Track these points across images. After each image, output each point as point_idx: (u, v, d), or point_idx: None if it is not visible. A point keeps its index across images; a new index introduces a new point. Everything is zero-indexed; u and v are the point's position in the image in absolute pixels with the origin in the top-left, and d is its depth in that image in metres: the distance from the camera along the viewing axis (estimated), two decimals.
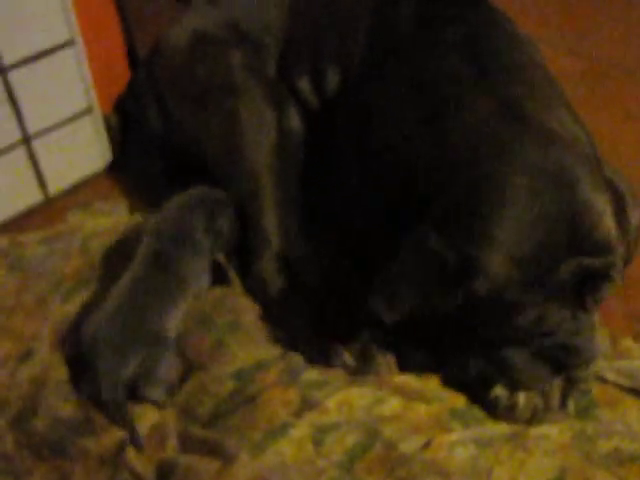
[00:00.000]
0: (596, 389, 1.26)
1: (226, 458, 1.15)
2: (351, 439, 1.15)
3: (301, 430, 1.17)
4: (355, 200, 1.41)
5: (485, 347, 1.16)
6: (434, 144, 1.18)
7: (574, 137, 1.15)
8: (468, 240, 1.06)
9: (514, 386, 1.19)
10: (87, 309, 1.43)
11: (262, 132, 1.49)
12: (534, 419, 1.20)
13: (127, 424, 1.24)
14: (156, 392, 1.28)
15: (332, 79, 1.54)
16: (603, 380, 1.28)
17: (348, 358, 1.31)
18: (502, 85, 1.22)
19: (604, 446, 1.16)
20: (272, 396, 1.24)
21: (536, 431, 1.18)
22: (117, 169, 1.82)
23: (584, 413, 1.23)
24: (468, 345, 1.18)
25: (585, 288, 1.06)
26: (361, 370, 1.30)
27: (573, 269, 1.05)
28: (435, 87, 1.27)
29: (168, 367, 1.30)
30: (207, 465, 1.16)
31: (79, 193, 1.77)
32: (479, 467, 1.11)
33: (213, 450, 1.18)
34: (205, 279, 1.44)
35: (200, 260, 1.43)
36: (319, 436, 1.16)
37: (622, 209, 1.13)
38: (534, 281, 1.05)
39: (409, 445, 1.14)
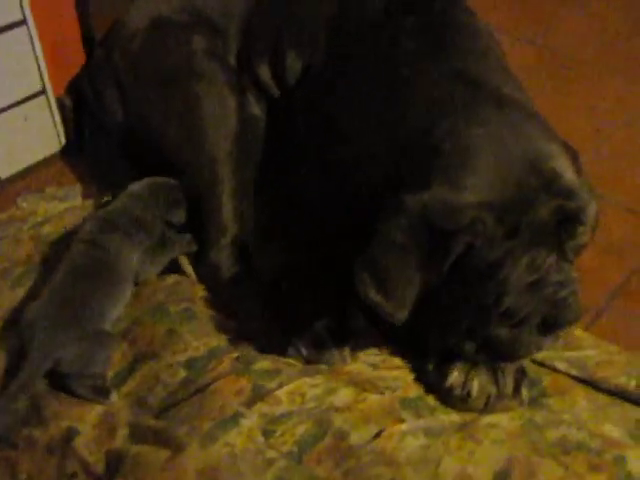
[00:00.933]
0: (547, 379, 1.28)
1: (176, 448, 1.13)
2: (301, 429, 1.15)
3: (251, 420, 1.16)
4: (315, 188, 1.39)
5: (471, 325, 1.14)
6: (393, 121, 1.19)
7: (526, 101, 1.19)
8: (443, 196, 1.05)
9: (502, 360, 1.18)
10: (32, 295, 1.41)
11: (223, 119, 1.46)
12: (487, 408, 1.21)
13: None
14: (85, 390, 1.26)
15: (292, 65, 1.52)
16: (554, 370, 1.29)
17: (301, 347, 1.31)
18: (455, 59, 1.24)
19: (551, 435, 1.17)
20: (223, 385, 1.23)
21: (486, 420, 1.19)
22: (70, 153, 1.79)
23: (534, 402, 1.24)
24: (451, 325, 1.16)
25: (563, 232, 1.07)
26: (314, 360, 1.29)
27: (551, 210, 1.05)
28: (393, 70, 1.28)
29: (102, 364, 1.28)
30: (156, 454, 1.14)
31: (31, 177, 1.74)
32: (428, 457, 1.11)
33: (163, 440, 1.16)
34: (149, 270, 1.43)
35: (142, 250, 1.41)
36: (270, 426, 1.15)
37: (579, 170, 1.14)
38: (517, 225, 1.04)
39: (359, 435, 1.14)
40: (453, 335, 1.16)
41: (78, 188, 1.70)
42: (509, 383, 1.22)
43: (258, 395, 1.20)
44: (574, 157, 1.15)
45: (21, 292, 1.43)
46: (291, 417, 1.17)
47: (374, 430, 1.15)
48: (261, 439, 1.14)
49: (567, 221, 1.07)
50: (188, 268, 1.47)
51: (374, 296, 1.10)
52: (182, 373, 1.28)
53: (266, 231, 1.46)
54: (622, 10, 2.38)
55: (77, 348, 1.25)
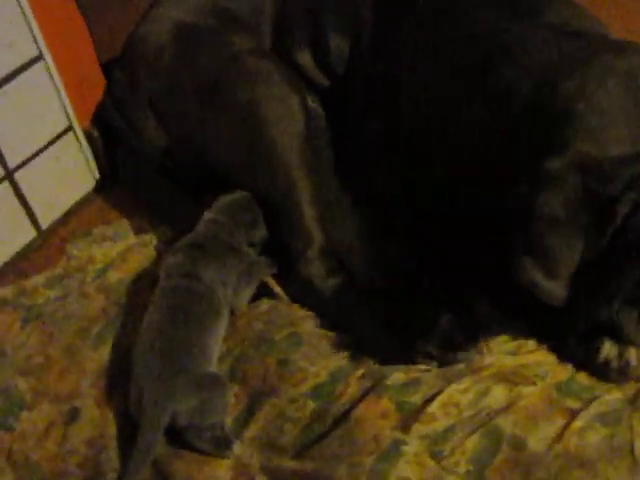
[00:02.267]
0: None
1: None
2: (471, 443, 1.06)
3: (415, 445, 1.06)
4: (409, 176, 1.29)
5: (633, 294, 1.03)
6: (498, 91, 1.10)
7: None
8: (593, 155, 0.96)
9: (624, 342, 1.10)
10: (120, 352, 1.30)
11: (289, 119, 1.33)
12: None
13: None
14: (206, 444, 1.15)
15: (338, 48, 1.41)
16: None
17: (431, 349, 1.21)
18: (543, 14, 1.16)
19: None
20: (365, 411, 1.13)
21: None
22: (107, 188, 1.66)
23: None
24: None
25: None
26: (448, 360, 1.20)
27: None
28: (476, 37, 1.19)
29: (221, 412, 1.17)
30: None
31: (73, 221, 1.60)
32: (618, 447, 1.03)
33: None
34: (242, 298, 1.32)
35: (235, 277, 1.31)
36: (435, 447, 1.06)
37: None
38: None
39: (537, 439, 1.05)
40: (610, 306, 1.06)
41: (126, 224, 1.56)
42: None
43: (408, 415, 1.11)
44: None
45: (106, 352, 1.31)
46: (455, 432, 1.08)
47: (548, 430, 1.06)
48: (432, 463, 1.04)
49: None
50: (278, 289, 1.36)
51: (541, 280, 0.99)
52: (310, 404, 1.18)
53: (362, 234, 1.33)
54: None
55: (192, 397, 1.14)
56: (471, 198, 1.14)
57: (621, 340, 1.12)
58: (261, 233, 1.36)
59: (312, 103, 1.44)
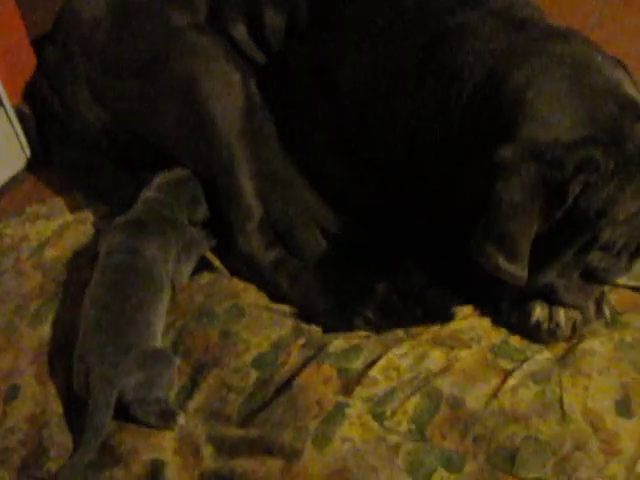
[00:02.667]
0: (611, 297, 1.26)
1: (288, 455, 1.06)
2: (412, 404, 1.09)
3: (357, 407, 1.09)
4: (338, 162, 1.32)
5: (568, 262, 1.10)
6: (446, 78, 1.13)
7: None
8: (548, 139, 1.01)
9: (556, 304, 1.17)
10: (62, 329, 1.29)
11: (229, 95, 1.34)
12: (574, 334, 1.19)
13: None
14: (151, 417, 1.15)
15: (273, 23, 1.42)
16: (614, 286, 1.27)
17: (369, 314, 1.24)
18: (494, 6, 1.18)
19: None
20: (308, 377, 1.16)
21: (580, 350, 1.17)
22: (40, 166, 1.63)
23: (612, 322, 1.22)
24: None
25: None
26: (386, 325, 1.23)
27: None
28: (424, 23, 1.21)
29: (167, 386, 1.18)
30: (266, 467, 1.06)
31: (5, 199, 1.57)
32: (549, 402, 1.08)
33: (265, 449, 1.09)
34: (184, 272, 1.33)
35: (176, 252, 1.31)
36: (378, 409, 1.09)
37: (633, 80, 1.12)
38: (621, 156, 1.01)
39: (473, 398, 1.09)
40: (547, 275, 1.12)
41: (61, 201, 1.54)
42: (591, 305, 1.20)
43: (350, 380, 1.14)
44: (624, 68, 1.13)
45: (45, 329, 1.30)
46: (396, 393, 1.11)
47: (484, 389, 1.11)
48: (375, 425, 1.08)
49: None
50: (218, 263, 1.37)
51: (503, 264, 1.03)
52: (253, 374, 1.20)
53: (305, 209, 1.35)
54: None
55: (140, 373, 1.15)
56: (421, 179, 1.18)
57: (553, 303, 1.18)
58: (202, 210, 1.36)
59: (251, 78, 1.44)
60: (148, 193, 1.33)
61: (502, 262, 1.02)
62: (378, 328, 1.24)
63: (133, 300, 1.21)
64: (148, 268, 1.26)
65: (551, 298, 1.17)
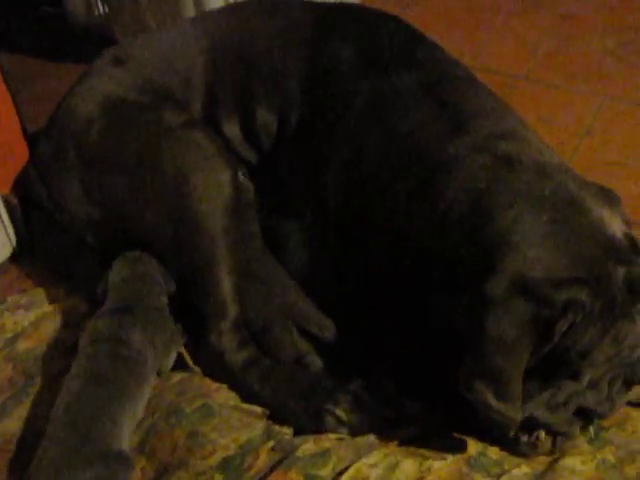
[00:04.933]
0: None
1: None
2: None
3: None
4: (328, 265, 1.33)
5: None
6: (435, 214, 1.15)
7: (559, 162, 1.19)
8: (537, 283, 1.02)
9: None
10: (27, 424, 1.25)
11: (217, 191, 1.33)
12: (555, 449, 1.14)
13: None
14: None
15: (265, 121, 1.44)
16: None
17: (340, 413, 1.20)
18: (475, 127, 1.21)
19: (631, 471, 1.11)
20: None
21: (560, 466, 1.11)
22: (23, 256, 1.62)
23: (596, 439, 1.17)
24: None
25: (635, 296, 1.05)
26: (358, 426, 1.19)
27: (621, 278, 1.05)
28: (414, 146, 1.24)
29: None
30: None
31: None
32: None
33: None
34: (167, 364, 1.31)
35: (164, 335, 1.30)
36: None
37: (624, 218, 1.14)
38: (608, 298, 1.03)
39: None
40: (529, 409, 1.10)
41: (42, 293, 1.53)
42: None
43: None
44: (616, 201, 1.15)
45: (9, 424, 1.26)
46: None
47: None
48: None
49: (635, 284, 1.06)
50: (189, 361, 1.34)
51: (495, 404, 1.02)
52: (218, 478, 1.15)
53: (284, 307, 1.33)
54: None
55: (92, 471, 1.10)
56: (404, 296, 1.19)
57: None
58: (171, 288, 1.36)
59: (242, 176, 1.45)
60: (113, 277, 1.33)
61: (492, 400, 1.02)
62: (350, 428, 1.19)
63: (111, 391, 1.17)
64: (134, 356, 1.23)
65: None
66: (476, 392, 1.03)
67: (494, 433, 1.14)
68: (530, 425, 1.10)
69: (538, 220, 1.06)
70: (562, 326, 1.01)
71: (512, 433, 1.09)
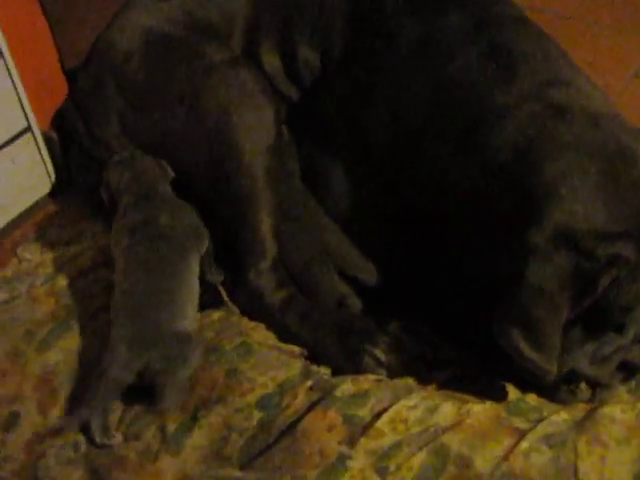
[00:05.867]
0: None
1: None
2: (418, 461, 1.04)
3: (360, 460, 1.05)
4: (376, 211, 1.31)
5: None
6: (480, 162, 1.14)
7: (611, 111, 1.15)
8: (580, 235, 1.00)
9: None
10: (68, 356, 1.27)
11: (260, 130, 1.31)
12: (594, 398, 1.14)
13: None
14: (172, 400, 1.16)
15: (307, 59, 1.42)
16: None
17: (379, 354, 1.20)
18: (533, 83, 1.17)
19: None
20: (312, 423, 1.12)
21: (599, 415, 1.11)
22: (63, 192, 1.62)
23: (636, 389, 1.16)
24: None
25: None
26: (398, 368, 1.19)
27: None
28: (463, 92, 1.20)
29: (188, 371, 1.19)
30: None
31: (27, 224, 1.56)
32: (563, 469, 1.03)
33: None
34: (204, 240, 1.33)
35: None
36: (381, 463, 1.05)
37: None
38: None
39: (483, 459, 1.04)
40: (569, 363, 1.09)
41: (81, 228, 1.53)
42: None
43: (356, 429, 1.09)
44: None
45: (51, 356, 1.28)
46: (401, 448, 1.06)
47: (494, 449, 1.06)
48: (377, 479, 1.02)
49: None
50: (227, 298, 1.34)
51: (529, 353, 1.03)
52: (256, 415, 1.16)
53: (324, 249, 1.32)
54: None
55: (168, 349, 1.16)
56: (447, 236, 1.18)
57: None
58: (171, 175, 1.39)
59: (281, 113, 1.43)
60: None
61: (525, 348, 1.02)
62: (388, 369, 1.20)
63: (164, 271, 1.22)
64: (170, 234, 1.27)
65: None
66: (510, 339, 1.03)
67: (531, 381, 1.14)
68: (572, 377, 1.10)
69: (586, 172, 1.04)
70: (605, 281, 1.00)
71: (549, 383, 1.09)
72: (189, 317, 1.21)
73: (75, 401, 1.20)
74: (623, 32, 2.01)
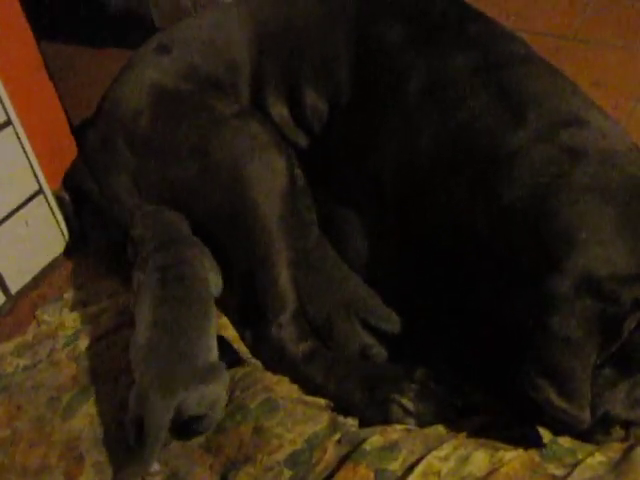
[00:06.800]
0: None
1: None
2: None
3: None
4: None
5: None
6: (495, 209, 1.12)
7: (627, 147, 1.14)
8: (602, 280, 0.98)
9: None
10: (93, 422, 1.26)
11: (273, 181, 1.31)
12: (630, 436, 1.10)
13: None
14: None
15: (314, 104, 1.42)
16: None
17: (406, 403, 1.18)
18: (544, 126, 1.15)
19: None
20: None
21: (637, 454, 1.08)
22: (78, 251, 1.62)
23: None
24: None
25: None
26: (426, 416, 1.17)
27: None
28: (474, 137, 1.19)
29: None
30: None
31: (43, 285, 1.57)
32: None
33: None
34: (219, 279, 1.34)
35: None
36: None
37: None
38: None
39: None
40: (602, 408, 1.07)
41: (98, 287, 1.53)
42: None
43: None
44: None
45: (75, 423, 1.26)
46: None
47: None
48: None
49: None
50: (249, 354, 1.33)
51: (558, 402, 1.01)
52: (287, 473, 1.14)
53: (345, 298, 1.31)
54: None
55: (200, 388, 1.15)
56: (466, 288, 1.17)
57: None
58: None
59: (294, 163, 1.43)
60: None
61: (555, 399, 1.00)
62: (417, 418, 1.18)
63: (191, 308, 1.21)
64: (197, 275, 1.26)
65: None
66: (539, 391, 1.01)
67: (564, 430, 1.12)
68: (605, 420, 1.07)
69: (604, 215, 1.02)
70: (630, 324, 0.98)
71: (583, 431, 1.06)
72: (215, 350, 1.21)
73: (100, 467, 1.19)
74: (631, 51, 2.00)
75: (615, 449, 1.10)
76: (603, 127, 1.15)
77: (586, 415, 1.01)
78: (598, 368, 1.02)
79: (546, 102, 1.17)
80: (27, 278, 1.55)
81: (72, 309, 1.48)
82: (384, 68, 1.32)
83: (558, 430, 1.10)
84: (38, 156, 1.49)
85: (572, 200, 1.04)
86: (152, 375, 1.14)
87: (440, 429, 1.16)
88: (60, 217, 1.58)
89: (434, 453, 1.10)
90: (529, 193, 1.08)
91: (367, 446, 1.14)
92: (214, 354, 1.20)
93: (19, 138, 1.44)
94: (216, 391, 1.17)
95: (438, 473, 1.07)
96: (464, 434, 1.14)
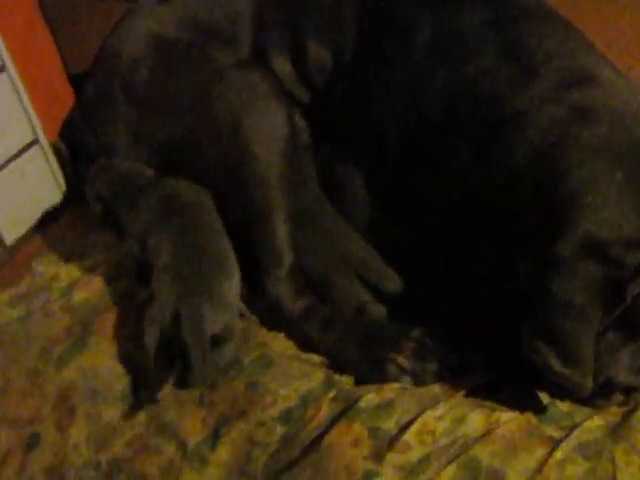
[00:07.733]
0: None
1: None
2: (447, 476, 1.01)
3: (388, 476, 1.01)
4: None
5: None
6: (500, 169, 1.09)
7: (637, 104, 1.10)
8: (607, 244, 0.96)
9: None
10: (85, 374, 1.25)
11: (272, 135, 1.28)
12: (630, 398, 1.09)
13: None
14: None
15: (317, 58, 1.38)
16: None
17: (403, 361, 1.16)
18: (554, 83, 1.11)
19: None
20: (337, 438, 1.08)
21: (636, 420, 1.06)
22: (74, 204, 1.60)
23: None
24: None
25: None
26: (423, 375, 1.15)
27: None
28: (479, 93, 1.15)
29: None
30: None
31: (39, 237, 1.54)
32: None
33: None
34: None
35: None
36: (410, 478, 1.01)
37: None
38: None
39: (515, 472, 1.00)
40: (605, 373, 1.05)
41: (94, 240, 1.51)
42: None
43: (382, 443, 1.06)
44: None
45: (68, 374, 1.25)
46: (429, 462, 1.03)
47: (527, 460, 1.02)
48: None
49: None
50: (245, 309, 1.31)
51: (562, 369, 0.99)
52: (279, 429, 1.13)
53: (344, 256, 1.28)
54: None
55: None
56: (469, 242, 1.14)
57: None
58: None
59: (297, 117, 1.40)
60: None
61: (556, 364, 0.99)
62: (413, 377, 1.16)
63: (204, 235, 1.26)
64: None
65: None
66: (541, 356, 1.00)
67: (565, 395, 1.10)
68: (607, 385, 1.05)
69: (612, 179, 0.99)
70: (634, 288, 0.96)
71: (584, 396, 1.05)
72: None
73: (92, 418, 1.19)
74: None
75: (614, 413, 1.09)
76: (615, 85, 1.12)
77: (589, 382, 0.99)
78: (601, 334, 1.00)
79: (557, 59, 1.13)
80: (23, 230, 1.53)
81: (67, 261, 1.46)
82: (391, 20, 1.28)
83: (558, 395, 1.09)
84: (35, 105, 1.46)
85: (580, 162, 1.01)
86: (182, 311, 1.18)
87: (436, 389, 1.14)
88: (57, 168, 1.55)
89: (429, 412, 1.09)
90: (536, 153, 1.05)
91: (362, 404, 1.12)
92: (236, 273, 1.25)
93: (15, 86, 1.41)
94: (231, 317, 1.21)
95: (433, 432, 1.06)
96: (460, 394, 1.13)
